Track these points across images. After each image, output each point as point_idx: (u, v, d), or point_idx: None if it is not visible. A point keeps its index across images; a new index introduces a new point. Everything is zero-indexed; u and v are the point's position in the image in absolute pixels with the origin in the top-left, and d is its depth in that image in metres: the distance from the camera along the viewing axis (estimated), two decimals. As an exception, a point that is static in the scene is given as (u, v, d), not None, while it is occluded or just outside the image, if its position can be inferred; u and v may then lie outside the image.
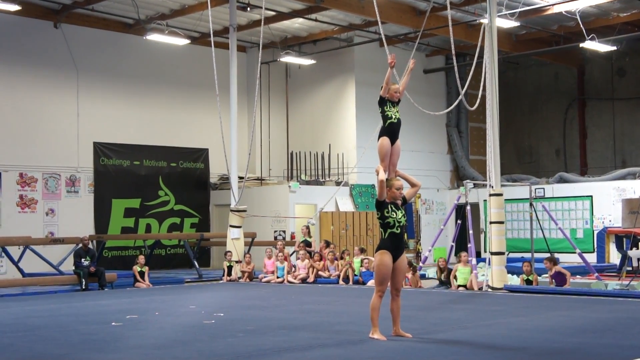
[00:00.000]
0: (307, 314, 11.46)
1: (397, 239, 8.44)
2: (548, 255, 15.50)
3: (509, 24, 19.70)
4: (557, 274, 14.48)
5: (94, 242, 20.18)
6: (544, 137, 28.01)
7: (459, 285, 15.17)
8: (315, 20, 21.49)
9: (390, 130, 8.82)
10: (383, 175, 8.41)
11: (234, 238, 18.64)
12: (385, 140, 8.79)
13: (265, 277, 17.94)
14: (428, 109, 16.91)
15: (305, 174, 23.43)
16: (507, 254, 16.60)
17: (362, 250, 17.43)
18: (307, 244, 18.50)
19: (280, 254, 17.95)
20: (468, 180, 18.52)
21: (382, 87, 8.89)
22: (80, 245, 17.11)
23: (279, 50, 23.10)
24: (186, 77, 23.76)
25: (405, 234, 22.28)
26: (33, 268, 18.09)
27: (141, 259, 17.39)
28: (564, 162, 27.31)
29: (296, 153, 23.71)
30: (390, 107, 8.87)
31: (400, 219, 8.43)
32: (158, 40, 20.62)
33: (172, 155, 23.34)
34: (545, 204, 19.87)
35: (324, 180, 23.21)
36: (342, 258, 17.47)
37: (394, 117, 8.84)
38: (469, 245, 16.35)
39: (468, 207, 16.87)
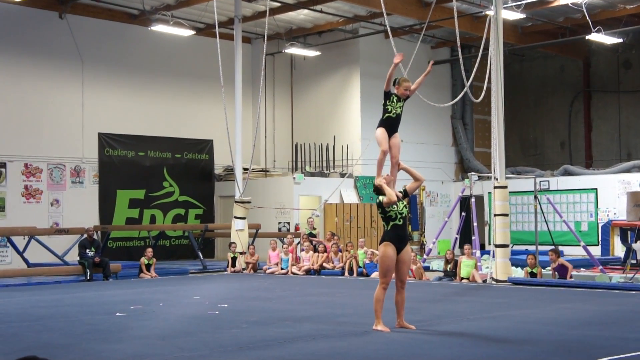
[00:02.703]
0: (311, 305, 11.48)
1: (400, 230, 8.45)
2: (553, 247, 15.52)
3: (515, 15, 19.63)
4: (560, 267, 14.50)
5: (99, 232, 20.26)
6: (549, 130, 27.94)
7: (462, 278, 15.17)
8: (321, 11, 21.44)
9: (388, 124, 8.78)
10: (382, 183, 8.48)
11: (238, 229, 18.66)
12: (382, 129, 8.77)
13: (269, 268, 17.99)
14: (433, 101, 16.89)
15: (310, 166, 23.42)
16: (512, 247, 16.61)
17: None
18: (312, 236, 18.52)
19: (286, 246, 18.00)
20: (473, 173, 18.50)
21: (386, 81, 8.78)
22: (85, 235, 17.17)
23: (284, 42, 23.07)
24: (191, 68, 23.74)
25: (410, 226, 22.35)
26: (38, 258, 18.14)
27: (149, 251, 17.45)
28: (569, 154, 27.24)
29: (301, 145, 23.70)
30: (393, 101, 8.75)
31: (401, 210, 8.45)
32: (163, 31, 20.58)
33: (176, 146, 23.34)
34: (550, 196, 19.86)
35: (328, 172, 23.20)
36: (347, 250, 17.46)
37: (393, 112, 8.76)
38: (473, 238, 16.37)
39: (472, 200, 16.87)
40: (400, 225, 8.45)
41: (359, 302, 11.64)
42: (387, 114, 8.78)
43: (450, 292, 13.21)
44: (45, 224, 20.14)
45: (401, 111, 8.84)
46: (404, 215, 8.48)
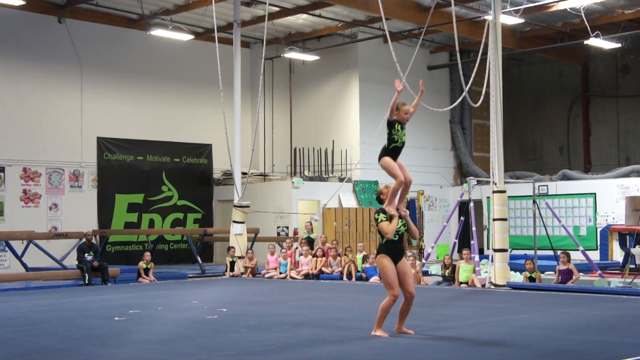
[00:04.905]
0: (309, 310, 11.47)
1: (395, 245, 8.42)
2: (565, 250, 15.52)
3: (514, 20, 19.67)
4: (567, 270, 14.45)
5: (97, 237, 20.25)
6: (548, 134, 27.95)
7: (461, 283, 15.17)
8: (319, 16, 21.46)
9: (393, 152, 8.64)
10: (395, 216, 8.43)
11: (237, 234, 18.65)
12: (388, 158, 8.64)
13: (268, 273, 17.97)
14: (432, 106, 16.87)
15: (309, 170, 23.42)
16: (510, 251, 16.60)
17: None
18: (310, 241, 18.51)
19: (285, 250, 17.99)
20: (471, 177, 18.50)
21: (389, 111, 8.59)
22: (84, 240, 17.16)
23: (282, 46, 23.09)
24: (190, 73, 23.75)
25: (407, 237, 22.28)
26: (36, 262, 18.11)
27: (147, 255, 17.44)
28: (567, 159, 27.25)
29: (299, 149, 23.70)
30: (398, 129, 8.62)
31: (399, 228, 8.42)
32: (162, 35, 20.60)
33: (175, 150, 23.34)
34: (549, 201, 19.85)
35: (327, 176, 23.20)
36: (345, 255, 17.44)
37: (399, 141, 8.60)
38: (471, 242, 16.35)
39: (471, 204, 16.86)
40: (395, 242, 8.41)
41: (358, 306, 11.63)
42: (393, 144, 8.59)
43: (448, 296, 13.20)
44: (43, 228, 20.12)
45: (405, 138, 8.76)
46: (400, 233, 8.45)
